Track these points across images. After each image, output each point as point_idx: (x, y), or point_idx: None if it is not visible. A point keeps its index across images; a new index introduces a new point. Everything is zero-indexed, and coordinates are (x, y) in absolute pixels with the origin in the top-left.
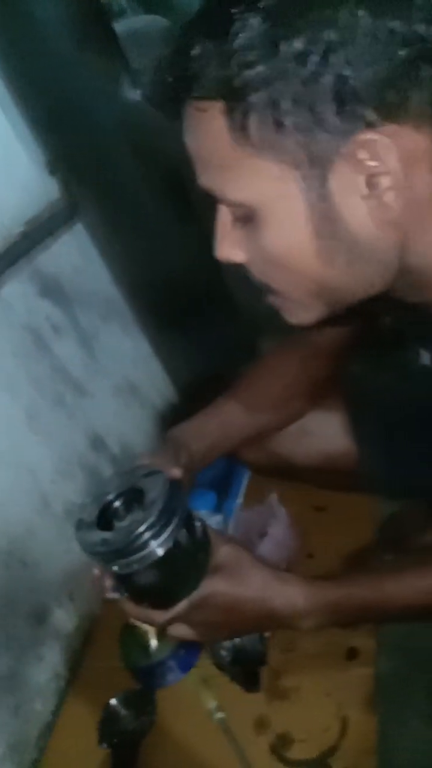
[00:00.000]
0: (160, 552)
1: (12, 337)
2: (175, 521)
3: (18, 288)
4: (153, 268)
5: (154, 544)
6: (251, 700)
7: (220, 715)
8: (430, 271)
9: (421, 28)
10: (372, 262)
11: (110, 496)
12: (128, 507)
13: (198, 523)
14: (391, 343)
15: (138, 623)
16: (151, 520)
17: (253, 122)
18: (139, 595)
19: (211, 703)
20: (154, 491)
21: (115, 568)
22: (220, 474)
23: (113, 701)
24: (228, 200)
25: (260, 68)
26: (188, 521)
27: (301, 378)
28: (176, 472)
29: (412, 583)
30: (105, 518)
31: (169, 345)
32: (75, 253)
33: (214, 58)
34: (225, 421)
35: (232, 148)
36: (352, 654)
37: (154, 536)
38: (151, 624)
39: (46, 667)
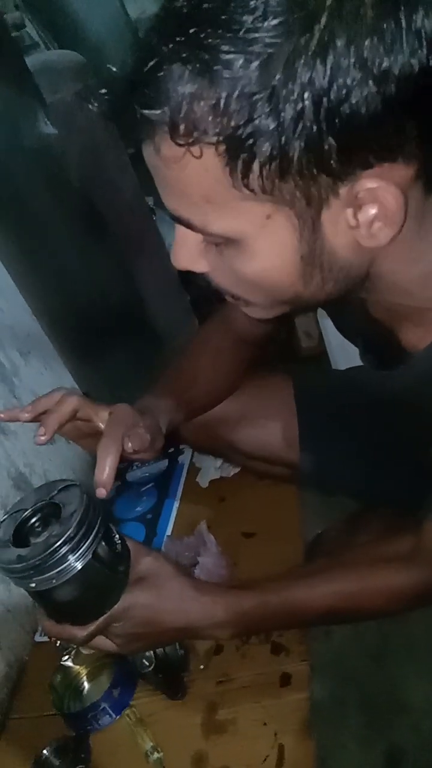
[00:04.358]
0: (79, 566)
1: None
2: (93, 534)
3: None
4: (70, 299)
5: (72, 558)
6: (189, 737)
7: (157, 755)
8: (386, 278)
9: (414, 62)
10: (343, 278)
11: (27, 512)
12: (45, 522)
13: (117, 536)
14: None
15: (70, 664)
16: (68, 533)
17: (255, 170)
18: (59, 612)
19: (148, 744)
20: (72, 505)
21: (33, 585)
22: (149, 506)
23: (45, 751)
24: (207, 232)
25: (269, 119)
26: (107, 534)
27: (230, 357)
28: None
29: (321, 588)
30: (21, 535)
31: (91, 375)
32: None
33: (211, 102)
34: (187, 388)
35: (223, 188)
36: (285, 680)
37: (72, 550)
38: (72, 641)
39: None
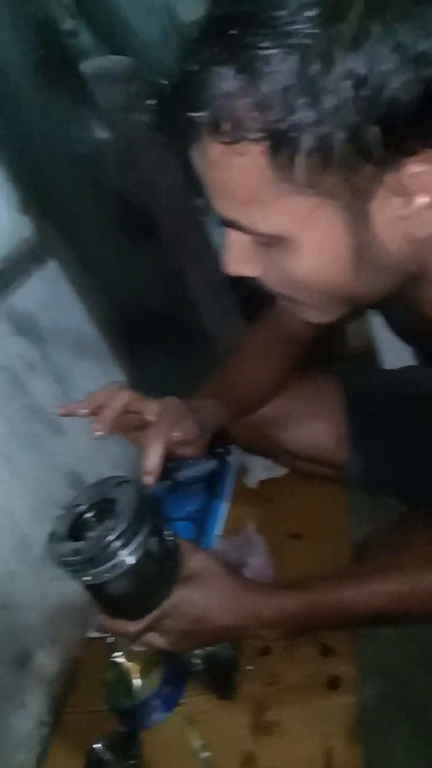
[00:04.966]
0: (131, 560)
1: None
2: (145, 529)
3: None
4: (125, 302)
5: (124, 552)
6: (237, 737)
7: (206, 753)
8: None
9: None
10: (395, 271)
11: (81, 508)
12: (99, 517)
13: (168, 532)
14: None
15: (122, 661)
16: (121, 528)
17: (299, 163)
18: (112, 606)
19: (197, 742)
20: (125, 500)
21: (87, 578)
22: (198, 506)
23: (98, 745)
24: (255, 231)
25: (310, 111)
26: (159, 530)
27: (278, 356)
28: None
29: (371, 589)
30: (76, 529)
31: (144, 377)
32: (48, 291)
33: (251, 99)
34: (237, 386)
35: (268, 184)
36: (333, 683)
37: (125, 545)
38: (125, 635)
39: (29, 714)
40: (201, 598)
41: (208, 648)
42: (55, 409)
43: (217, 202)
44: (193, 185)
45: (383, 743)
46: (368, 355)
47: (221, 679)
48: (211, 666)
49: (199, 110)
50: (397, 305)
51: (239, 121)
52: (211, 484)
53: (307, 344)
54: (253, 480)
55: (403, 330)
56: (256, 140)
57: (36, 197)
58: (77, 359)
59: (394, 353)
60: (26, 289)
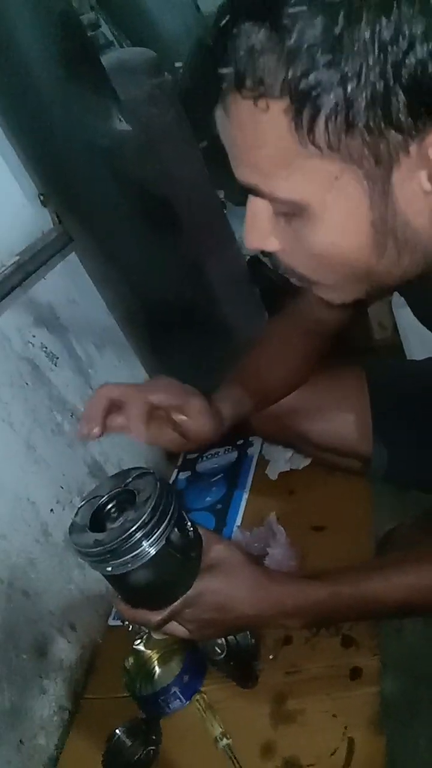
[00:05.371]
0: (153, 551)
1: (8, 368)
2: (166, 520)
3: (13, 318)
4: (145, 293)
5: (146, 543)
6: (257, 725)
7: (226, 741)
8: None
9: None
10: (418, 251)
11: (103, 499)
12: (121, 508)
13: (189, 523)
14: None
15: (142, 648)
16: (143, 519)
17: (320, 124)
18: (134, 596)
19: (217, 730)
20: (146, 491)
21: (109, 569)
22: (218, 497)
23: (118, 731)
24: (276, 198)
25: (334, 70)
26: (180, 520)
27: (301, 347)
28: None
29: (395, 581)
30: (98, 520)
31: (164, 369)
32: (69, 282)
33: (276, 55)
34: (258, 374)
35: (291, 146)
36: (355, 674)
37: (146, 535)
38: (147, 625)
39: (49, 699)
40: (223, 587)
41: (229, 637)
42: (77, 399)
43: (239, 167)
44: (214, 177)
45: (407, 735)
46: (393, 347)
47: (242, 668)
48: (232, 655)
49: (225, 65)
50: (421, 291)
51: (263, 76)
52: (231, 476)
53: (331, 335)
54: (274, 472)
55: (427, 317)
56: (278, 97)
57: (57, 189)
58: (99, 350)
59: (419, 345)
60: (47, 281)
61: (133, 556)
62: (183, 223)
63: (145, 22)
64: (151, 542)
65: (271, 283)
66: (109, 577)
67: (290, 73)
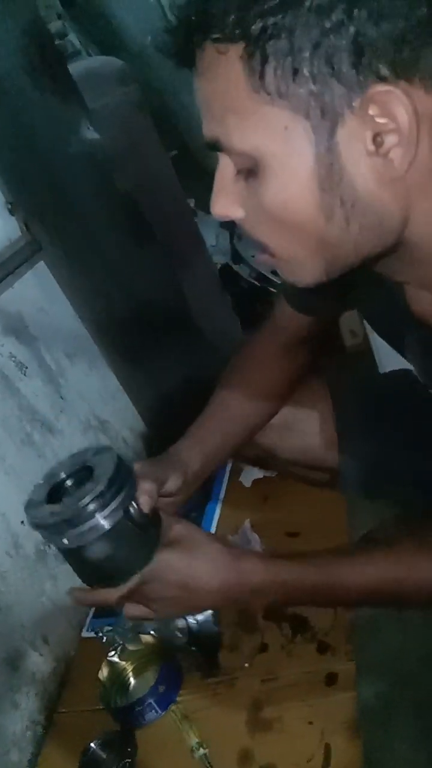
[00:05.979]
0: (109, 523)
1: None
2: (123, 493)
3: None
4: (116, 302)
5: (101, 514)
6: (234, 734)
7: (202, 751)
8: (425, 244)
9: None
10: (371, 223)
11: (62, 476)
12: (79, 483)
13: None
14: None
15: (117, 660)
16: (98, 490)
17: (270, 69)
18: (92, 573)
19: (193, 740)
20: (103, 466)
21: (65, 541)
22: (192, 505)
23: (92, 744)
24: (233, 148)
25: (282, 16)
26: (137, 497)
27: (284, 366)
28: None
29: (365, 569)
30: (56, 496)
31: (136, 378)
32: (38, 291)
33: (236, 1)
34: (222, 429)
35: (245, 93)
36: (331, 679)
37: (102, 507)
38: (107, 604)
39: (22, 714)
40: (185, 560)
41: (191, 622)
42: (47, 409)
43: (205, 122)
44: (187, 184)
45: (384, 739)
46: (364, 353)
47: (205, 655)
48: (194, 640)
49: (198, 16)
50: (380, 297)
51: (224, 19)
52: (205, 486)
53: (312, 348)
54: (248, 479)
55: (385, 331)
56: (236, 42)
57: (25, 198)
58: (69, 359)
59: (390, 352)
60: (15, 289)
61: (88, 527)
62: (154, 230)
63: (112, 31)
64: (106, 515)
65: (242, 292)
66: (67, 552)
67: (244, 19)
